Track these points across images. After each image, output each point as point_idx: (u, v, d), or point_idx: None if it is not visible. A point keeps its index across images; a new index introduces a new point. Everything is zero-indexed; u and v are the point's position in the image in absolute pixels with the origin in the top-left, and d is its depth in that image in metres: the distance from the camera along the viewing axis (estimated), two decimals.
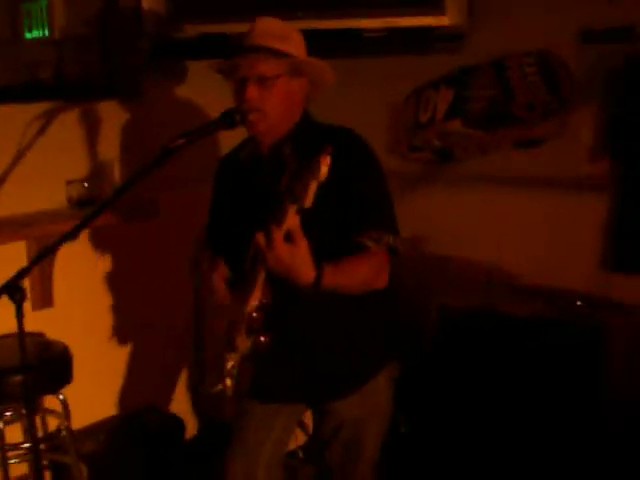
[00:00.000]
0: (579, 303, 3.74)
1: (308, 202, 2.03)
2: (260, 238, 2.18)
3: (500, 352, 3.73)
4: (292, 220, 2.12)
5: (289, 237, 2.16)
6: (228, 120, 2.41)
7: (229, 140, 2.77)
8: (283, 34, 2.48)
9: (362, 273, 2.43)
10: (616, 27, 3.69)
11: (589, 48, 3.79)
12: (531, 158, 4.03)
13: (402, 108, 4.34)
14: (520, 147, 4.06)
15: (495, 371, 3.74)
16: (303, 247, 2.18)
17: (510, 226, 4.13)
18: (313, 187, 2.01)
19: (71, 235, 2.33)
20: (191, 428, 4.25)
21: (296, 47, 2.50)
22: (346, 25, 3.68)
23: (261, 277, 2.30)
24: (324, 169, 1.99)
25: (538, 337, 3.65)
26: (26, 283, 2.26)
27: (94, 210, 2.39)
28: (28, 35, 4.47)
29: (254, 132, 2.52)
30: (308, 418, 3.02)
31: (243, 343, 2.41)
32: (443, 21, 3.69)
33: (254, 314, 2.36)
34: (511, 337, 3.71)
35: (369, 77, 4.17)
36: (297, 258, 2.18)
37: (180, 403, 4.28)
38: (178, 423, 4.00)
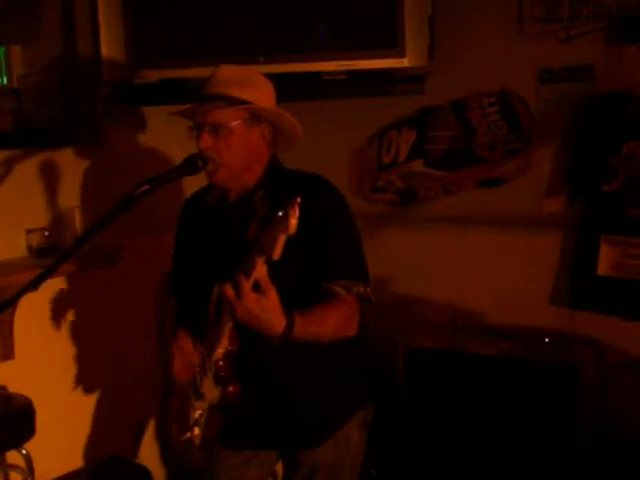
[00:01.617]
0: (547, 340, 3.74)
1: (276, 254, 1.99)
2: (228, 290, 2.13)
3: (469, 392, 3.73)
4: (260, 270, 2.08)
5: (257, 287, 2.12)
6: (191, 166, 2.39)
7: (192, 185, 2.75)
8: (244, 81, 2.46)
9: (332, 322, 2.39)
10: (574, 66, 3.74)
11: (548, 87, 3.84)
12: (493, 197, 4.05)
13: (365, 149, 4.37)
14: (483, 186, 4.08)
15: (465, 411, 3.73)
16: (272, 297, 2.15)
17: (474, 266, 4.14)
18: (282, 240, 1.97)
19: (32, 285, 2.29)
20: (159, 478, 4.17)
21: (258, 94, 2.48)
22: (307, 68, 3.69)
23: (228, 326, 2.27)
24: (293, 222, 1.94)
25: (507, 376, 3.65)
26: None
27: (56, 259, 2.35)
28: None
29: (213, 181, 2.50)
30: (279, 466, 2.97)
31: (211, 392, 2.38)
32: (403, 63, 3.71)
33: (220, 362, 2.33)
34: (479, 377, 3.71)
35: (330, 119, 4.18)
36: (267, 308, 2.15)
37: (148, 453, 4.21)
38: (146, 474, 3.92)
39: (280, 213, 1.96)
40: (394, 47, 3.72)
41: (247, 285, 2.10)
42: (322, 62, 3.71)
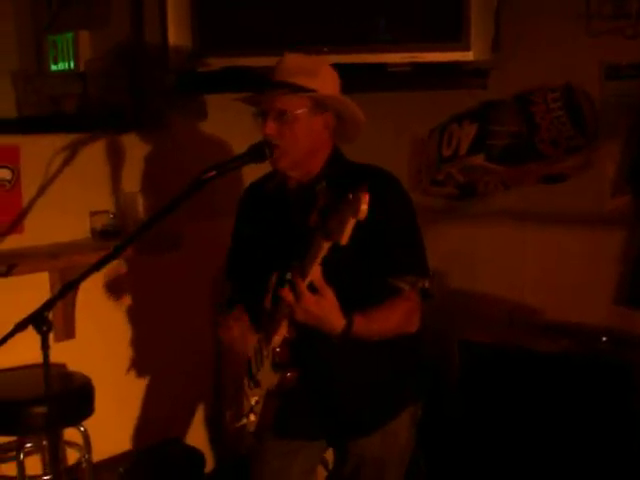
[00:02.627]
0: (604, 339, 3.70)
1: (344, 239, 1.96)
2: (287, 293, 2.16)
3: (524, 389, 3.70)
4: (315, 271, 2.10)
5: (313, 288, 2.14)
6: (258, 153, 2.39)
7: (250, 172, 2.76)
8: (308, 69, 2.46)
9: (394, 319, 2.40)
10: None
11: (613, 84, 3.79)
12: (554, 193, 4.02)
13: (425, 142, 4.35)
14: (543, 182, 4.04)
15: (520, 408, 3.71)
16: (330, 296, 2.17)
17: (533, 262, 4.11)
18: (351, 224, 1.95)
19: (96, 267, 2.32)
20: (210, 461, 4.22)
21: (323, 83, 2.47)
22: (371, 60, 3.69)
23: (285, 316, 2.28)
24: (364, 207, 1.91)
25: (564, 374, 3.62)
26: (49, 314, 2.25)
27: (121, 242, 2.38)
28: (54, 67, 4.52)
29: (277, 168, 2.51)
30: (329, 454, 2.98)
31: (268, 379, 2.40)
32: (468, 56, 3.69)
33: (278, 349, 2.35)
34: (535, 374, 3.68)
35: (393, 112, 4.18)
36: (325, 308, 2.17)
37: (200, 436, 4.25)
38: (198, 456, 3.97)
39: (350, 196, 1.94)
40: (459, 40, 3.70)
41: (303, 286, 2.12)
42: (386, 54, 3.71)
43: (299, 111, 2.43)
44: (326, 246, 2.04)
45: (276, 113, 2.43)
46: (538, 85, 3.92)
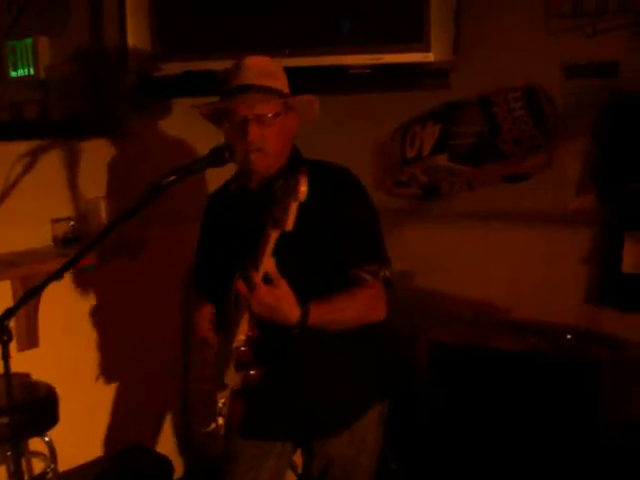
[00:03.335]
0: (569, 337, 3.73)
1: (289, 225, 2.04)
2: (240, 285, 2.20)
3: (491, 387, 3.72)
4: (269, 263, 2.14)
5: (268, 280, 2.17)
6: (218, 157, 2.39)
7: (214, 176, 2.75)
8: (274, 72, 2.51)
9: (355, 307, 2.41)
10: (600, 62, 3.73)
11: (574, 83, 3.82)
12: (517, 193, 4.04)
13: (388, 144, 4.36)
14: (507, 182, 4.07)
15: (487, 406, 3.73)
16: (283, 287, 2.19)
17: (498, 261, 4.13)
18: (293, 208, 2.02)
19: (58, 275, 2.31)
20: (179, 468, 4.20)
21: (285, 84, 2.53)
22: (332, 62, 3.69)
23: (246, 313, 2.30)
24: (302, 189, 2.00)
25: (528, 372, 3.64)
26: (11, 323, 2.22)
27: (81, 249, 2.36)
28: (13, 73, 4.47)
29: (255, 170, 2.51)
30: (298, 457, 2.98)
31: (233, 379, 2.40)
32: (429, 57, 3.71)
33: (242, 348, 2.36)
34: (501, 372, 3.70)
35: (355, 113, 4.19)
36: (279, 298, 2.20)
37: (168, 442, 4.23)
38: (166, 463, 3.94)
39: (291, 182, 2.01)
40: (420, 41, 3.72)
41: (257, 277, 2.16)
42: (347, 55, 3.72)
43: (276, 113, 2.46)
44: (274, 235, 2.10)
45: (256, 117, 2.44)
46: (499, 85, 3.94)
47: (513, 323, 3.98)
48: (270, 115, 2.44)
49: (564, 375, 3.56)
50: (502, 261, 4.11)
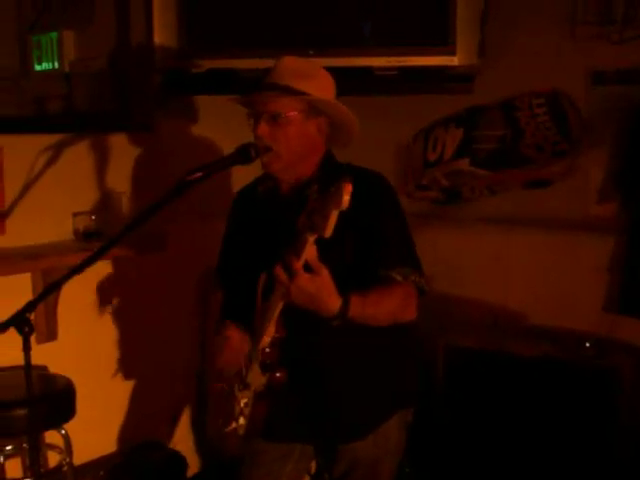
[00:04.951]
0: (587, 344, 3.71)
1: (328, 231, 1.95)
2: (279, 271, 2.12)
3: (508, 392, 3.70)
4: (310, 250, 2.06)
5: (308, 268, 2.11)
6: (244, 155, 2.38)
7: (240, 174, 2.75)
8: (304, 73, 2.46)
9: (390, 303, 2.38)
10: (627, 69, 3.70)
11: (599, 89, 3.80)
12: (539, 199, 4.02)
13: (411, 146, 4.35)
14: (528, 187, 4.05)
15: (504, 412, 3.71)
16: (325, 275, 2.13)
17: (518, 266, 4.12)
18: (334, 216, 1.94)
19: (78, 269, 2.31)
20: (194, 466, 4.20)
21: (318, 87, 2.47)
22: (357, 63, 3.69)
23: (275, 313, 2.26)
24: (346, 197, 1.91)
25: (546, 378, 3.63)
26: (31, 316, 2.23)
27: (105, 243, 2.36)
28: (38, 67, 4.49)
29: (269, 171, 2.50)
30: (313, 464, 2.97)
31: (257, 380, 2.38)
32: (453, 61, 3.69)
33: (267, 349, 2.34)
34: (519, 378, 3.69)
35: (379, 115, 4.17)
36: (321, 287, 2.13)
37: (183, 440, 4.24)
38: (180, 461, 3.95)
39: (332, 189, 1.93)
40: (445, 45, 3.71)
41: (298, 265, 2.08)
42: (372, 57, 3.71)
43: (292, 113, 2.42)
44: (311, 239, 2.02)
45: (269, 115, 2.42)
46: (523, 90, 3.92)
47: (532, 329, 3.97)
48: (282, 114, 2.41)
49: (582, 382, 3.55)
50: (522, 267, 4.10)
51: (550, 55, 3.88)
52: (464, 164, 4.13)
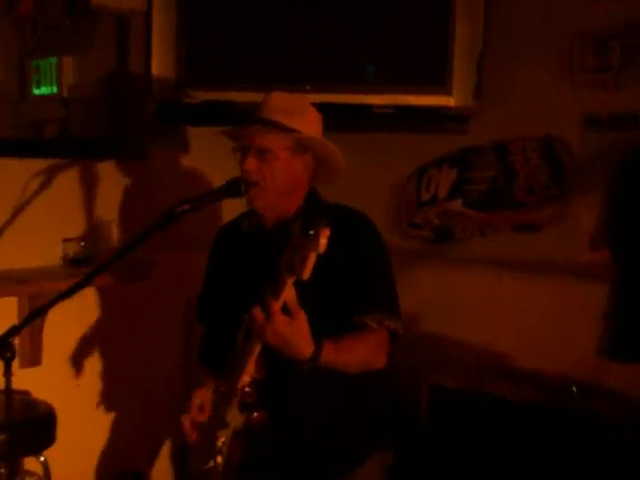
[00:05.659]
0: (574, 389, 3.69)
1: (306, 274, 1.99)
2: (257, 312, 2.14)
3: (493, 436, 3.67)
4: (289, 292, 2.09)
5: (286, 310, 2.12)
6: (233, 189, 2.38)
7: (228, 206, 2.75)
8: (294, 109, 2.46)
9: (362, 352, 2.38)
10: (621, 114, 3.71)
11: (594, 135, 3.81)
12: (530, 242, 4.02)
13: (405, 185, 4.36)
14: (519, 230, 4.06)
15: (487, 453, 3.68)
16: (301, 320, 2.14)
17: (506, 309, 4.10)
18: (312, 259, 1.98)
19: (65, 295, 2.29)
20: None
21: (306, 124, 2.47)
22: (353, 100, 3.70)
23: (255, 352, 2.26)
24: (323, 241, 1.96)
25: (530, 422, 3.60)
26: (15, 340, 2.21)
27: (93, 270, 2.36)
28: (36, 91, 4.51)
29: (253, 206, 2.50)
30: None
31: (235, 419, 2.37)
32: (450, 102, 3.72)
33: (247, 389, 2.32)
34: (503, 420, 3.66)
35: (374, 153, 4.19)
36: (295, 331, 2.15)
37: (164, 471, 4.19)
38: None
39: (311, 232, 1.96)
40: (442, 85, 3.73)
41: (276, 306, 2.10)
42: (370, 95, 3.73)
43: (280, 149, 2.42)
44: (290, 281, 2.05)
45: (257, 150, 2.42)
46: (518, 133, 3.94)
47: (518, 372, 3.94)
48: (270, 149, 2.40)
49: (566, 427, 3.52)
50: (511, 309, 4.08)
51: (545, 99, 3.89)
52: (457, 205, 4.14)
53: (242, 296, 2.35)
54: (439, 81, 3.75)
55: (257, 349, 2.25)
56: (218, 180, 2.48)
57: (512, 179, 3.96)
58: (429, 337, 4.25)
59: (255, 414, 2.34)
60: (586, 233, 3.85)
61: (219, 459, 2.42)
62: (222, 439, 2.41)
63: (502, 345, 4.07)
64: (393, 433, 2.70)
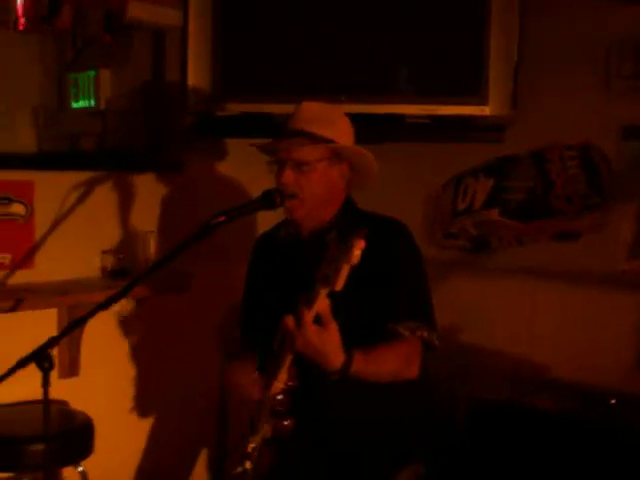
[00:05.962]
0: (613, 401, 3.65)
1: (339, 285, 2.00)
2: (289, 320, 2.16)
3: (529, 447, 3.64)
4: (322, 303, 2.10)
5: (319, 320, 2.14)
6: (269, 201, 2.40)
7: (264, 218, 2.76)
8: (326, 119, 2.48)
9: (393, 362, 2.38)
10: None
11: (630, 144, 3.78)
12: (568, 251, 3.98)
13: (440, 195, 4.35)
14: (557, 240, 4.02)
15: (524, 465, 3.65)
16: (332, 330, 2.16)
17: (544, 319, 4.07)
18: (345, 270, 1.98)
19: (104, 306, 2.32)
20: None
21: (340, 133, 2.49)
22: (388, 110, 3.70)
23: (288, 359, 2.27)
24: (357, 252, 1.96)
25: (568, 433, 3.56)
26: (54, 350, 2.24)
27: (131, 282, 2.38)
28: (74, 104, 4.57)
29: (292, 218, 2.51)
30: None
31: (265, 426, 2.37)
32: (485, 111, 3.70)
33: (278, 397, 2.33)
34: (541, 432, 3.62)
35: (409, 163, 4.19)
36: (326, 341, 2.16)
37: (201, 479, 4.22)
38: None
39: (347, 243, 1.97)
40: (477, 94, 3.71)
41: (308, 316, 2.12)
42: (404, 105, 3.72)
43: (317, 161, 2.43)
44: (324, 292, 2.06)
45: (294, 163, 2.43)
46: (555, 142, 3.92)
47: (556, 383, 3.91)
48: (307, 161, 2.42)
49: (605, 440, 3.48)
50: (548, 320, 4.05)
51: (582, 107, 3.86)
52: (494, 214, 4.13)
53: (280, 305, 2.36)
54: (475, 90, 3.72)
55: (289, 357, 2.26)
56: (255, 191, 2.50)
57: (550, 188, 3.93)
58: (466, 348, 4.22)
59: (285, 422, 2.34)
60: (624, 242, 3.81)
61: (247, 464, 2.42)
62: (252, 444, 2.42)
63: (540, 356, 4.03)
64: (426, 445, 2.69)
